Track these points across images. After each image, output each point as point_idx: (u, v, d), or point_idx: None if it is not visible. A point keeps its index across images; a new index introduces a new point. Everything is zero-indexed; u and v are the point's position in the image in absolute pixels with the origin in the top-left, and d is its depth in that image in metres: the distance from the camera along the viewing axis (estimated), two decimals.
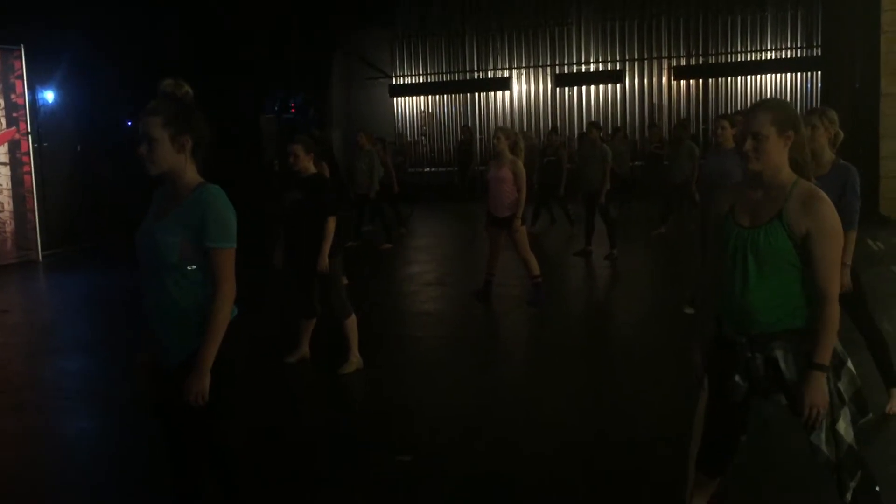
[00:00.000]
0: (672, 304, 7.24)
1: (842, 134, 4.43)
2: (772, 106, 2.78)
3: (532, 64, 19.45)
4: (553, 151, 13.36)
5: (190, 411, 2.67)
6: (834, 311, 2.63)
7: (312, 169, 5.69)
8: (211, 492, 2.85)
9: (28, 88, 11.38)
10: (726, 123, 6.50)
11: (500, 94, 19.69)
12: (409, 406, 5.18)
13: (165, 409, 2.80)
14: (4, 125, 11.12)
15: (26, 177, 11.39)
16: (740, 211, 2.78)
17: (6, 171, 11.17)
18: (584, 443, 4.42)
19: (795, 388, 2.66)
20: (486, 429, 4.69)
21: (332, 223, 5.51)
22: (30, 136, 11.41)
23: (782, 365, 2.68)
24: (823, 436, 2.65)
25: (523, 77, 19.55)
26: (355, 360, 5.70)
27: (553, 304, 7.66)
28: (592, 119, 18.60)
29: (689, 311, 6.98)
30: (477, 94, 19.91)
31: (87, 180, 12.45)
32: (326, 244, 5.48)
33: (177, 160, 2.67)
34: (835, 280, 2.65)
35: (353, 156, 11.99)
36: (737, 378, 2.77)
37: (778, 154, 2.70)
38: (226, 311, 2.64)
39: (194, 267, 2.67)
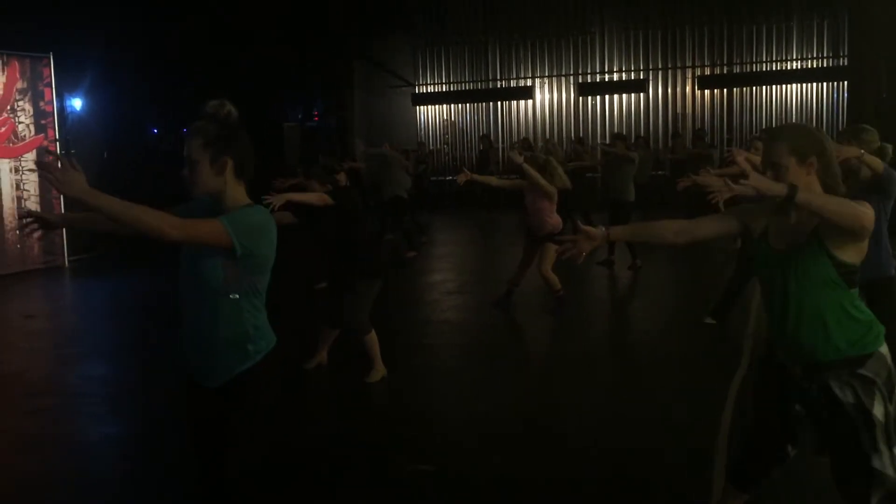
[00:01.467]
0: (693, 315, 7.19)
1: (889, 147, 4.30)
2: (789, 133, 2.67)
3: (555, 73, 19.42)
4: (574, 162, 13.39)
5: (220, 433, 2.68)
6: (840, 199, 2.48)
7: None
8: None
9: (56, 96, 11.54)
10: (760, 144, 6.46)
11: (522, 102, 19.68)
12: (427, 414, 5.18)
13: (199, 422, 2.80)
14: (33, 132, 11.28)
15: None
16: (774, 234, 2.68)
17: (34, 177, 11.31)
18: (601, 451, 4.39)
19: (854, 410, 2.58)
20: (504, 437, 4.67)
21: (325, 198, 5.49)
22: (58, 143, 11.56)
23: (837, 392, 2.60)
24: (887, 460, 2.56)
25: (546, 86, 19.53)
26: (380, 368, 5.72)
27: (574, 314, 7.63)
28: (615, 129, 18.59)
29: (709, 321, 6.95)
30: (499, 103, 19.92)
31: (114, 186, 12.57)
32: (302, 196, 5.43)
33: (217, 182, 2.62)
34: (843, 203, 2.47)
35: (378, 165, 12.06)
36: (797, 408, 2.71)
37: (802, 182, 2.57)
38: (151, 223, 2.37)
39: (237, 296, 2.62)
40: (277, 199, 5.24)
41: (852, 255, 2.57)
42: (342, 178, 5.94)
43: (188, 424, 2.81)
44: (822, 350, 2.60)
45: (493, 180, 8.25)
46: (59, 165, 2.32)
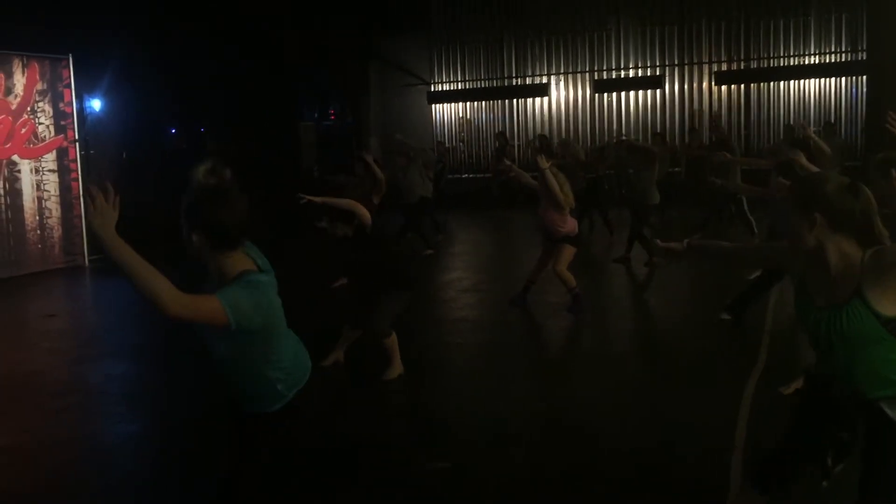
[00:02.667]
0: (710, 312, 7.15)
1: None
2: (797, 184, 2.54)
3: (570, 70, 19.37)
4: (594, 168, 13.41)
5: (246, 448, 2.75)
6: None
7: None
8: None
9: (75, 97, 11.65)
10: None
11: (538, 100, 19.64)
12: (444, 411, 5.20)
13: (231, 434, 2.87)
14: (53, 133, 11.40)
15: (73, 183, 11.66)
16: (813, 287, 2.56)
17: (54, 177, 11.45)
18: (618, 448, 4.40)
19: None
20: (522, 435, 4.69)
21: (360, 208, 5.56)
22: (77, 144, 11.68)
23: (888, 410, 2.52)
24: None
25: (562, 83, 19.48)
26: (397, 366, 5.76)
27: (590, 312, 7.62)
28: (632, 126, 18.56)
29: (725, 317, 6.91)
30: (515, 101, 19.89)
31: (133, 187, 12.68)
32: (334, 200, 5.48)
33: (199, 253, 2.58)
34: None
35: (402, 167, 12.12)
36: (845, 436, 2.65)
37: (811, 236, 2.45)
38: (155, 291, 2.29)
39: (246, 361, 2.65)
40: (315, 199, 5.31)
41: None
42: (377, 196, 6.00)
43: (225, 434, 2.88)
44: (872, 391, 2.54)
45: (526, 176, 8.21)
46: (104, 198, 2.32)
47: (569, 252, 7.43)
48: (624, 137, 17.17)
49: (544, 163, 7.23)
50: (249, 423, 2.75)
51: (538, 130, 19.15)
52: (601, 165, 13.59)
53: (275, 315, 2.63)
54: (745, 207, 10.89)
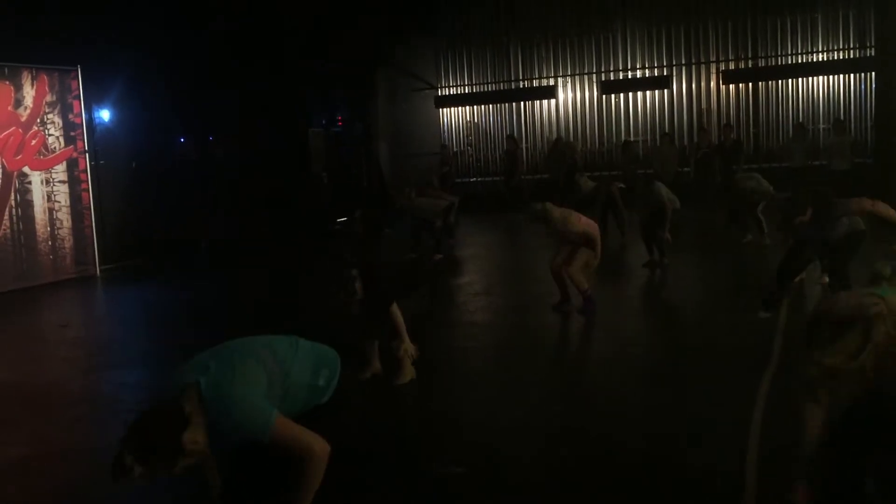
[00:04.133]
0: (721, 312, 7.12)
1: None
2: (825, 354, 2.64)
3: (577, 72, 19.36)
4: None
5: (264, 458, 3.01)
6: None
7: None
8: None
9: (85, 108, 11.72)
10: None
11: (545, 102, 19.64)
12: (457, 416, 5.19)
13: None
14: (63, 144, 11.47)
15: (84, 194, 11.73)
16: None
17: (65, 188, 11.51)
18: (633, 451, 4.37)
19: None
20: (535, 438, 4.67)
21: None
22: (87, 155, 11.75)
23: None
24: None
25: (568, 85, 19.48)
26: (408, 370, 5.75)
27: (603, 313, 7.60)
28: (639, 126, 18.57)
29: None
30: (522, 103, 19.90)
31: (143, 197, 12.74)
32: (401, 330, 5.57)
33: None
34: None
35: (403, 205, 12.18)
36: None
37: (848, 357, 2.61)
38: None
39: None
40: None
41: None
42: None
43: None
44: None
45: None
46: None
47: (585, 256, 7.46)
48: (632, 139, 17.22)
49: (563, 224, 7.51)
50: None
51: (546, 133, 19.18)
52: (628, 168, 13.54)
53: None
54: (757, 208, 10.86)
